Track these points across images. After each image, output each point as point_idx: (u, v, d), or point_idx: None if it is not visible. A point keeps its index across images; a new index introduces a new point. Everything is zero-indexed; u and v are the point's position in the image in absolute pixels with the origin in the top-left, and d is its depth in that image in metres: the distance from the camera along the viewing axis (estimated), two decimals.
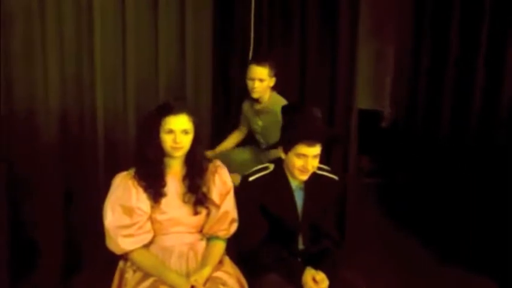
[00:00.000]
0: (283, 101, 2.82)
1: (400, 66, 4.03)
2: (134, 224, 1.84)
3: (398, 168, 3.71)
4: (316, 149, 1.92)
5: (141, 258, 1.86)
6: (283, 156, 1.99)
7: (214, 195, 1.95)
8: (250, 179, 2.02)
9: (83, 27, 2.71)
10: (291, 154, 1.94)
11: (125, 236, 1.83)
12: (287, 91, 3.65)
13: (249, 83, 2.80)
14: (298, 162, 1.92)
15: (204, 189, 1.93)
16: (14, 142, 2.62)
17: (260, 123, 2.91)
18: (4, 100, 2.54)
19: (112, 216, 1.84)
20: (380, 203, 3.92)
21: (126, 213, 1.84)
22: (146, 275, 1.83)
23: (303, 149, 1.90)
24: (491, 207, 2.91)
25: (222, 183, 1.97)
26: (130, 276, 1.87)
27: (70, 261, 2.78)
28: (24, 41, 2.58)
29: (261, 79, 2.77)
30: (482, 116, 2.98)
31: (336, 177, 2.12)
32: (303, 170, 1.94)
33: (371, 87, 4.54)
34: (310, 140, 1.89)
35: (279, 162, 2.04)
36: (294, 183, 2.03)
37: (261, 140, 2.96)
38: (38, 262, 2.70)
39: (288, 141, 1.94)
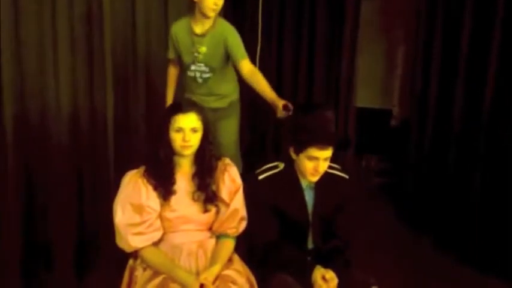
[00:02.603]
0: (230, 25, 2.64)
1: (410, 65, 4.01)
2: (144, 222, 1.85)
3: (408, 167, 3.68)
4: (328, 152, 1.91)
5: (150, 256, 1.86)
6: (294, 156, 1.98)
7: (224, 194, 1.95)
8: (260, 177, 2.01)
9: (94, 25, 2.73)
10: (302, 156, 1.93)
11: (135, 233, 1.84)
12: (297, 87, 3.70)
13: (213, 0, 2.48)
14: (309, 165, 1.92)
15: (214, 187, 1.94)
16: (27, 142, 2.65)
17: (204, 49, 2.61)
18: (16, 99, 2.57)
19: (122, 214, 1.85)
20: (390, 203, 3.90)
21: (136, 211, 1.85)
22: (156, 273, 1.84)
23: (314, 152, 1.89)
24: (504, 208, 2.88)
25: (231, 181, 1.97)
26: (140, 274, 1.88)
27: (83, 260, 2.80)
28: (35, 37, 2.61)
29: None
30: (494, 115, 2.95)
31: (346, 176, 2.11)
32: (314, 172, 1.93)
33: (380, 86, 4.52)
34: (322, 144, 1.89)
35: (289, 161, 2.03)
36: (304, 183, 2.02)
37: (201, 69, 2.66)
38: (51, 262, 2.72)
39: (300, 143, 1.93)
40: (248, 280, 1.90)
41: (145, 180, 1.88)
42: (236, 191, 1.97)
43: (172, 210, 1.89)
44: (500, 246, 2.88)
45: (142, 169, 1.92)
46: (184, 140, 1.85)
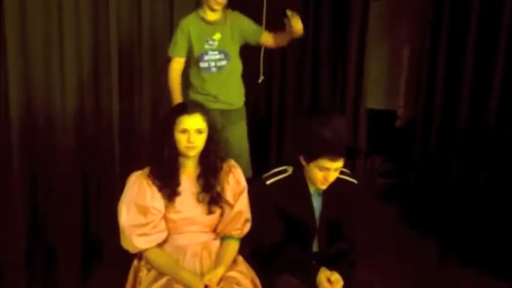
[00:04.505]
0: (238, 12, 2.75)
1: (415, 66, 4.00)
2: (149, 223, 1.85)
3: (412, 168, 3.67)
4: (339, 163, 1.88)
5: (155, 257, 1.87)
6: (303, 163, 1.95)
7: (228, 195, 1.95)
8: (268, 182, 1.98)
9: (100, 26, 2.73)
10: (312, 165, 1.89)
11: (140, 235, 1.84)
12: (301, 92, 3.69)
13: None
14: (319, 174, 1.89)
15: (218, 189, 1.93)
16: (32, 142, 2.65)
17: (218, 35, 2.67)
18: (21, 99, 2.57)
19: (127, 215, 1.85)
20: (394, 204, 3.88)
21: (141, 212, 1.85)
22: (160, 274, 1.84)
23: (326, 163, 1.86)
24: (508, 210, 2.86)
25: (236, 182, 1.97)
26: (144, 275, 1.88)
27: (87, 260, 2.80)
28: (41, 39, 2.61)
29: None
30: (500, 117, 2.93)
31: (355, 181, 2.08)
32: (324, 181, 1.91)
33: (385, 87, 4.51)
34: (335, 156, 1.85)
35: (297, 166, 1.99)
36: (312, 188, 2.00)
37: (216, 58, 2.69)
38: (56, 262, 2.73)
39: (311, 154, 1.89)
40: (252, 282, 1.89)
41: (150, 181, 1.88)
42: (241, 193, 1.96)
43: (177, 212, 1.89)
44: (504, 248, 2.87)
45: (147, 170, 1.92)
46: (189, 141, 1.84)
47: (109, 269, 2.72)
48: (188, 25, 2.68)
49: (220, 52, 2.69)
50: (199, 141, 1.87)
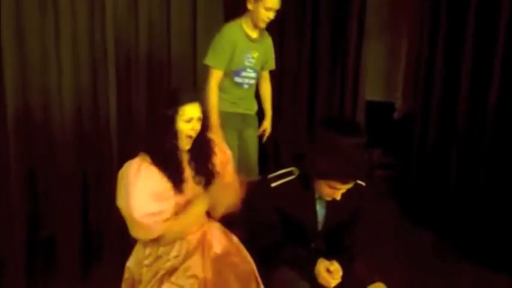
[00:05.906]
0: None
1: (414, 58, 4.00)
2: (167, 209, 1.81)
3: (411, 161, 3.67)
4: (351, 184, 1.82)
5: (168, 228, 1.83)
6: (313, 175, 1.87)
7: (218, 166, 1.98)
8: (273, 185, 1.91)
9: (97, 25, 2.71)
10: (323, 182, 1.82)
11: (162, 221, 1.79)
12: (299, 86, 3.68)
13: (267, 14, 2.56)
14: (327, 190, 1.83)
15: (210, 167, 1.95)
16: (30, 140, 2.64)
17: (256, 54, 2.68)
18: (18, 96, 2.56)
19: (142, 204, 1.76)
20: (393, 196, 3.89)
21: (157, 199, 1.79)
22: (156, 274, 1.82)
23: (337, 184, 1.79)
24: (507, 203, 2.87)
25: (222, 153, 2.02)
26: (145, 272, 1.86)
27: (87, 258, 2.80)
28: (38, 36, 2.60)
29: (277, 10, 2.61)
30: (499, 109, 2.94)
31: (363, 183, 2.00)
32: (331, 195, 1.85)
33: (383, 79, 4.51)
34: (349, 180, 1.79)
35: (304, 170, 1.91)
36: (317, 193, 1.92)
37: (250, 76, 2.73)
38: (56, 260, 2.73)
39: (324, 174, 1.79)
40: (252, 272, 1.88)
41: (156, 169, 1.83)
42: (227, 162, 2.01)
43: (181, 195, 1.87)
44: (503, 242, 2.88)
45: (147, 158, 1.85)
46: (193, 129, 1.84)
47: (109, 266, 2.70)
48: (235, 38, 2.62)
49: (254, 71, 2.74)
50: (198, 129, 1.87)
